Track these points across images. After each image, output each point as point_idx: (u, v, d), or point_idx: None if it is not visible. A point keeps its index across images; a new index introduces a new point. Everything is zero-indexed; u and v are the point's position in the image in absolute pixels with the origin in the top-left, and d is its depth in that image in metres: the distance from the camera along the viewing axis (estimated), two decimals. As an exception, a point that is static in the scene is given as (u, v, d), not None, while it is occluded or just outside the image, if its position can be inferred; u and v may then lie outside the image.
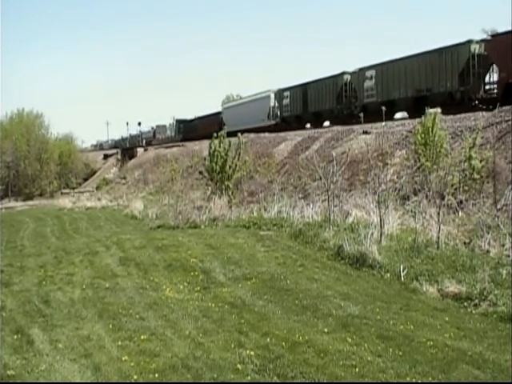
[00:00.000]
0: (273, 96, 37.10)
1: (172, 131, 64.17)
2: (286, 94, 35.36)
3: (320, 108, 31.95)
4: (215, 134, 19.70)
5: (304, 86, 33.62)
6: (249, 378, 5.51)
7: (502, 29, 22.94)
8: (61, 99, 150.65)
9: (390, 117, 24.15)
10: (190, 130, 52.73)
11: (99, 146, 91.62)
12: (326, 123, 31.99)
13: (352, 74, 29.33)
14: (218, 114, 46.80)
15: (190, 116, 62.92)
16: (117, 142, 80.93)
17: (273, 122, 36.59)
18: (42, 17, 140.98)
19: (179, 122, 59.26)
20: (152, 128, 71.28)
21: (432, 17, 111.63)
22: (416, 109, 21.82)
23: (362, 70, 28.22)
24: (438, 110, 20.68)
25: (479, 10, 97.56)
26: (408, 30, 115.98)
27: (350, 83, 29.51)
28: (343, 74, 29.95)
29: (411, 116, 22.68)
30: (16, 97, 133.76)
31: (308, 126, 33.39)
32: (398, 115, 27.36)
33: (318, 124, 31.76)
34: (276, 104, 36.94)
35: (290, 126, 33.55)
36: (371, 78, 27.33)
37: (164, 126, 70.25)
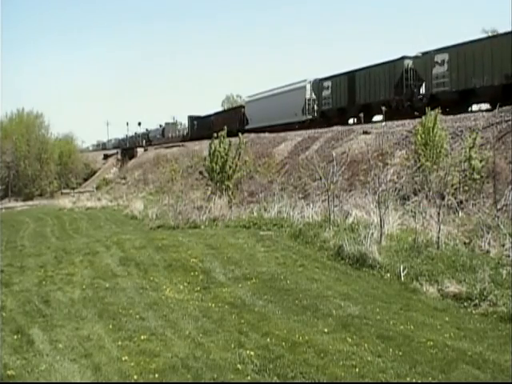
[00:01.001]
0: (309, 87, 32.15)
1: (184, 129, 60.30)
2: (327, 84, 30.51)
3: (371, 99, 27.22)
4: (215, 134, 19.60)
5: (351, 74, 28.91)
6: (249, 378, 5.51)
7: (502, 29, 22.30)
8: (61, 99, 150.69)
9: (464, 109, 21.42)
10: (205, 127, 47.62)
11: (102, 146, 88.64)
12: (378, 117, 27.39)
13: (415, 58, 25.11)
14: (240, 108, 42.79)
15: (187, 115, 61.08)
16: (121, 142, 77.75)
17: (308, 117, 32.06)
18: (42, 17, 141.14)
19: (192, 118, 53.69)
20: (160, 126, 67.27)
21: (432, 16, 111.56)
22: (505, 99, 18.96)
23: (428, 53, 24.06)
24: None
25: (479, 9, 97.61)
26: (407, 29, 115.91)
27: (413, 70, 25.10)
28: (403, 58, 25.54)
29: (496, 107, 18.68)
30: (16, 97, 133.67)
31: (351, 121, 29.49)
32: (475, 107, 23.74)
33: (366, 118, 26.87)
34: (313, 96, 32.04)
35: (329, 121, 29.11)
36: (443, 62, 23.09)
37: (174, 124, 66.37)
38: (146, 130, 71.05)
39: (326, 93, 30.73)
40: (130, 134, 76.09)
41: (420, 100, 24.53)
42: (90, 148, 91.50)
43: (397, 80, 25.52)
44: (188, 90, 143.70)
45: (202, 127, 48.60)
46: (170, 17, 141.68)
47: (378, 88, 26.69)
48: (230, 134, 32.13)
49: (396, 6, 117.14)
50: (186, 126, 58.11)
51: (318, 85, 31.50)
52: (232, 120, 40.42)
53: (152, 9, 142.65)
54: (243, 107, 41.66)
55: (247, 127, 38.08)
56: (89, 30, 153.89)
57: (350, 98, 28.82)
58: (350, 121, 29.62)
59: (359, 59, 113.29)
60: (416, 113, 22.14)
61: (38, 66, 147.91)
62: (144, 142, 66.68)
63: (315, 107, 31.90)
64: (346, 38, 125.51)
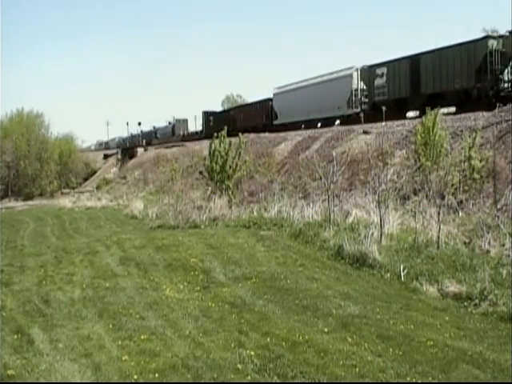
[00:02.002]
0: (356, 75, 27.75)
1: (196, 126, 55.28)
2: (381, 70, 25.93)
3: (442, 88, 22.66)
4: (216, 134, 19.56)
5: (414, 59, 24.34)
6: (249, 377, 5.50)
7: (502, 29, 21.58)
8: (61, 99, 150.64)
9: None
10: (223, 123, 44.27)
11: (104, 145, 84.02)
12: (449, 109, 22.54)
13: (504, 38, 20.93)
14: (267, 101, 37.45)
15: (187, 115, 59.14)
16: (124, 141, 73.55)
17: (355, 111, 27.48)
18: (42, 17, 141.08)
19: (208, 114, 48.39)
20: (169, 123, 61.82)
21: (431, 16, 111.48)
22: None
23: None
24: None
25: (479, 9, 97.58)
26: (407, 29, 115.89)
27: (499, 52, 20.75)
28: (486, 38, 21.40)
29: None
30: (16, 97, 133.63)
31: (411, 114, 24.97)
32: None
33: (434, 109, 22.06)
34: (362, 86, 27.65)
35: (384, 114, 24.00)
36: None
37: (185, 121, 60.09)
38: (154, 127, 66.50)
39: (379, 81, 26.01)
40: (136, 132, 72.17)
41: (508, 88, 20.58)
42: (92, 147, 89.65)
43: (478, 64, 21.01)
44: (188, 90, 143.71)
45: (219, 123, 42.60)
46: (169, 17, 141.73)
47: (452, 74, 22.09)
48: (256, 131, 29.96)
49: (395, 6, 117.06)
50: (201, 122, 52.36)
51: (368, 72, 26.87)
52: (257, 114, 37.64)
53: (152, 9, 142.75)
54: (271, 100, 36.84)
55: (276, 122, 34.95)
56: (89, 30, 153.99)
57: (413, 87, 24.10)
58: (411, 114, 25.04)
59: (361, 58, 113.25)
60: (499, 104, 18.71)
61: (38, 65, 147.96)
62: (148, 141, 62.99)
63: (364, 98, 27.60)
64: (347, 38, 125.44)
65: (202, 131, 49.09)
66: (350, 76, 28.10)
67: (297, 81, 34.18)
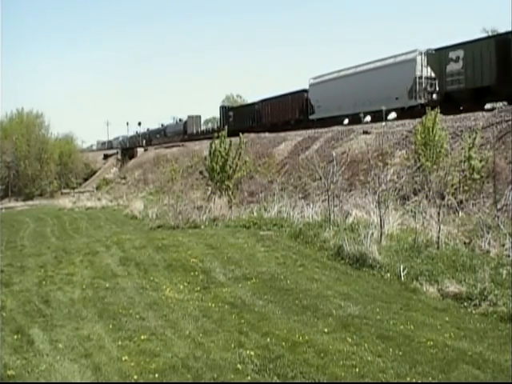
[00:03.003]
0: (420, 59, 23.49)
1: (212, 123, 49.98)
2: (456, 54, 21.74)
3: None
4: (216, 134, 19.53)
5: (501, 39, 20.72)
6: (249, 378, 5.51)
7: (502, 28, 21.11)
8: (61, 99, 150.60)
9: None
10: (246, 118, 39.44)
11: (107, 145, 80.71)
12: None
13: None
14: (302, 92, 32.95)
15: (187, 115, 55.25)
16: (130, 139, 70.60)
17: (420, 102, 23.34)
18: (42, 17, 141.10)
19: (226, 109, 44.21)
20: (180, 120, 56.88)
21: (431, 16, 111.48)
22: None
23: None
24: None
25: (479, 9, 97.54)
26: (406, 28, 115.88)
27: None
28: None
29: None
30: (16, 97, 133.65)
31: (499, 105, 21.45)
32: None
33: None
34: (428, 73, 23.61)
35: (458, 105, 21.17)
36: None
37: (198, 117, 55.17)
38: (162, 125, 62.27)
39: (453, 67, 21.83)
40: (142, 130, 68.50)
41: None
42: (94, 147, 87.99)
43: None
44: (188, 90, 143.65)
45: (241, 119, 39.85)
46: (169, 17, 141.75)
47: None
48: (286, 128, 25.67)
49: (395, 6, 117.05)
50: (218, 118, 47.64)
51: (438, 56, 22.81)
52: (289, 108, 33.43)
53: (152, 9, 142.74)
54: (306, 91, 32.26)
55: (313, 117, 30.90)
56: (89, 29, 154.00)
57: (501, 73, 19.88)
58: (499, 104, 21.90)
59: (361, 57, 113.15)
60: None
61: (38, 65, 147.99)
62: (148, 141, 60.51)
63: (429, 88, 23.65)
64: (346, 38, 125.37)
65: (219, 128, 43.53)
66: (413, 61, 23.64)
67: (340, 69, 29.39)
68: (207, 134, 44.38)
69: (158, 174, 34.50)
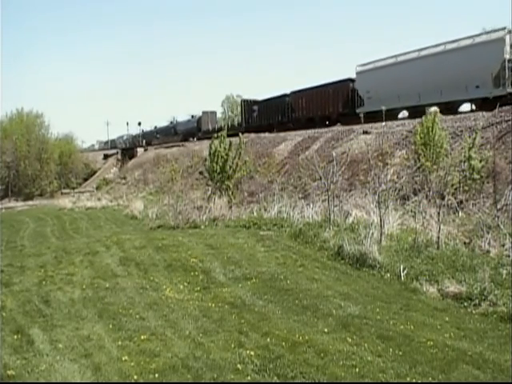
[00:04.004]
0: (509, 39, 19.63)
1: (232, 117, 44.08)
2: None
3: None
4: (215, 135, 19.51)
5: None
6: (249, 378, 5.51)
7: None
8: (61, 99, 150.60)
9: None
10: (274, 112, 34.99)
11: (110, 144, 75.99)
12: None
13: None
14: (346, 82, 28.46)
15: (187, 115, 53.09)
16: (135, 138, 65.66)
17: (508, 91, 19.48)
18: (42, 17, 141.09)
19: (249, 102, 39.16)
20: (192, 117, 51.21)
21: (430, 16, 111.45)
22: None
23: None
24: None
25: (479, 9, 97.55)
26: (406, 29, 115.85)
27: None
28: None
29: None
30: (16, 97, 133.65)
31: None
32: None
33: None
34: None
35: None
36: None
37: (214, 113, 50.19)
38: (171, 122, 57.11)
39: None
40: (147, 128, 64.19)
41: None
42: (96, 146, 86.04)
43: None
44: (188, 90, 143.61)
45: (268, 113, 35.74)
46: (169, 17, 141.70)
47: None
48: (322, 123, 22.73)
49: (395, 6, 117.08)
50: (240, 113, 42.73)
51: None
52: (329, 100, 29.08)
53: (152, 9, 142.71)
54: (352, 81, 28.00)
55: (361, 110, 26.24)
56: (89, 29, 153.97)
57: None
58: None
59: (361, 59, 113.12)
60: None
61: (38, 65, 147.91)
62: (148, 140, 56.97)
63: None
64: (347, 39, 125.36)
65: (240, 124, 39.92)
66: (500, 41, 19.67)
67: (395, 54, 25.29)
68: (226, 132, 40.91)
69: (158, 174, 34.52)
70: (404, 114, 24.92)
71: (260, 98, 38.25)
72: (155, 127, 61.05)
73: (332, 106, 29.20)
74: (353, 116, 26.68)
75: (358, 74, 27.49)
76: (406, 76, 23.48)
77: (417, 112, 21.49)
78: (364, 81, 26.67)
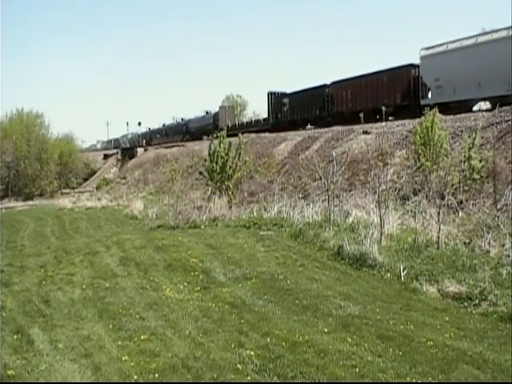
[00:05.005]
0: None
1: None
2: None
3: None
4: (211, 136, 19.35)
5: None
6: (249, 378, 5.51)
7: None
8: (61, 99, 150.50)
9: None
10: (309, 106, 31.05)
11: (114, 143, 71.39)
12: None
13: None
14: (405, 68, 24.69)
15: (187, 115, 50.58)
16: (141, 137, 61.77)
17: None
18: (42, 17, 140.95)
19: (278, 95, 35.21)
20: (207, 113, 46.46)
21: (430, 16, 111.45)
22: None
23: None
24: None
25: (479, 9, 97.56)
26: (405, 30, 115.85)
27: None
28: None
29: None
30: (16, 97, 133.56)
31: None
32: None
33: None
34: None
35: None
36: None
37: (231, 108, 46.15)
38: (182, 119, 52.45)
39: None
40: (154, 126, 60.07)
41: None
42: (99, 146, 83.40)
43: None
44: (188, 90, 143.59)
45: (302, 107, 31.71)
46: (169, 17, 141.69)
47: None
48: (372, 118, 19.12)
49: (394, 7, 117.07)
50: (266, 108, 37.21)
51: None
52: (384, 91, 25.09)
53: (152, 9, 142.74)
54: (414, 67, 24.26)
55: (426, 102, 21.91)
56: (89, 29, 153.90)
57: None
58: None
59: (361, 62, 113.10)
60: None
61: (38, 65, 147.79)
62: (152, 139, 53.89)
63: None
64: (347, 40, 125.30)
65: (267, 120, 36.62)
66: None
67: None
68: (248, 128, 36.58)
69: (158, 174, 34.54)
70: (480, 105, 21.63)
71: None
72: (163, 125, 57.45)
73: (387, 96, 25.06)
74: (416, 108, 22.74)
75: (422, 58, 23.38)
76: (491, 59, 19.52)
77: (504, 103, 18.22)
78: (432, 66, 22.33)
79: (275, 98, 35.26)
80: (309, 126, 31.44)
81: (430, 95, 23.44)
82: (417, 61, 24.06)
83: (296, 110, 32.66)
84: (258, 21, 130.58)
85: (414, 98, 23.93)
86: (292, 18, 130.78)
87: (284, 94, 34.72)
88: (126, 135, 66.70)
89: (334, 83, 29.88)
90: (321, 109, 30.39)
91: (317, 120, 30.48)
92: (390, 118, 24.35)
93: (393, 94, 24.98)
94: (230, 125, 40.15)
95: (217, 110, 44.93)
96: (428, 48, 23.39)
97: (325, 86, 30.45)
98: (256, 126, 36.82)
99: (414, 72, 24.19)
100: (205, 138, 35.30)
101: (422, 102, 22.64)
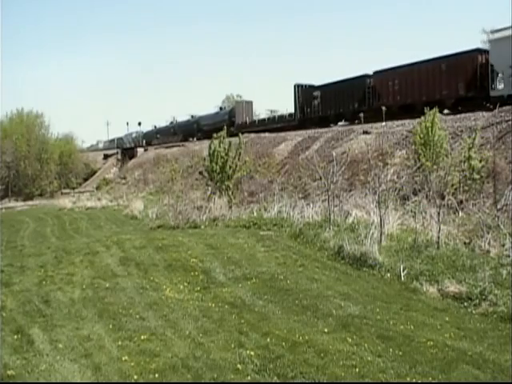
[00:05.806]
0: None
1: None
2: None
3: None
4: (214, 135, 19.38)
5: None
6: (249, 378, 5.51)
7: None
8: (61, 99, 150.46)
9: None
10: (345, 99, 27.88)
11: (117, 143, 66.16)
12: None
13: None
14: (470, 53, 21.34)
15: (187, 115, 49.01)
16: (147, 135, 58.48)
17: None
18: (42, 17, 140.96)
19: (307, 88, 31.44)
20: (221, 109, 43.52)
21: (430, 17, 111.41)
22: None
23: None
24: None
25: (479, 9, 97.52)
26: (406, 30, 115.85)
27: None
28: None
29: None
30: (16, 97, 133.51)
31: None
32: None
33: None
34: None
35: None
36: None
37: (250, 103, 40.53)
38: (192, 116, 48.57)
39: None
40: (161, 124, 57.32)
41: None
42: (101, 145, 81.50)
43: None
44: (188, 90, 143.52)
45: (337, 100, 28.43)
46: (169, 17, 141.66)
47: None
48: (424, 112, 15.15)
49: (394, 7, 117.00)
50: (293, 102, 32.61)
51: None
52: (442, 81, 21.94)
53: (152, 10, 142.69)
54: (481, 52, 21.27)
55: (497, 94, 19.74)
56: (89, 31, 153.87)
57: None
58: None
59: (360, 64, 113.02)
60: None
61: (38, 66, 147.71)
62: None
63: None
64: (346, 41, 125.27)
65: (293, 116, 32.86)
66: None
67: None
68: (271, 124, 33.26)
69: (158, 174, 34.52)
70: None
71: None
72: (171, 122, 54.07)
73: (447, 87, 21.89)
74: (482, 101, 20.00)
75: (493, 42, 20.42)
76: None
77: None
78: (507, 51, 18.79)
79: (303, 92, 31.30)
80: (342, 123, 28.64)
81: (501, 85, 20.18)
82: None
83: (329, 104, 29.07)
84: (257, 21, 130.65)
85: (481, 88, 20.64)
86: (292, 19, 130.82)
87: (316, 87, 31.01)
88: (131, 134, 63.70)
89: (376, 73, 26.46)
90: (360, 102, 26.88)
91: (355, 115, 26.58)
92: (445, 111, 21.13)
93: (454, 84, 21.59)
94: (248, 121, 37.11)
95: (232, 105, 41.27)
96: (499, 30, 20.06)
97: (366, 76, 26.89)
98: (280, 123, 33.20)
99: (481, 58, 20.72)
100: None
101: (492, 94, 19.95)
